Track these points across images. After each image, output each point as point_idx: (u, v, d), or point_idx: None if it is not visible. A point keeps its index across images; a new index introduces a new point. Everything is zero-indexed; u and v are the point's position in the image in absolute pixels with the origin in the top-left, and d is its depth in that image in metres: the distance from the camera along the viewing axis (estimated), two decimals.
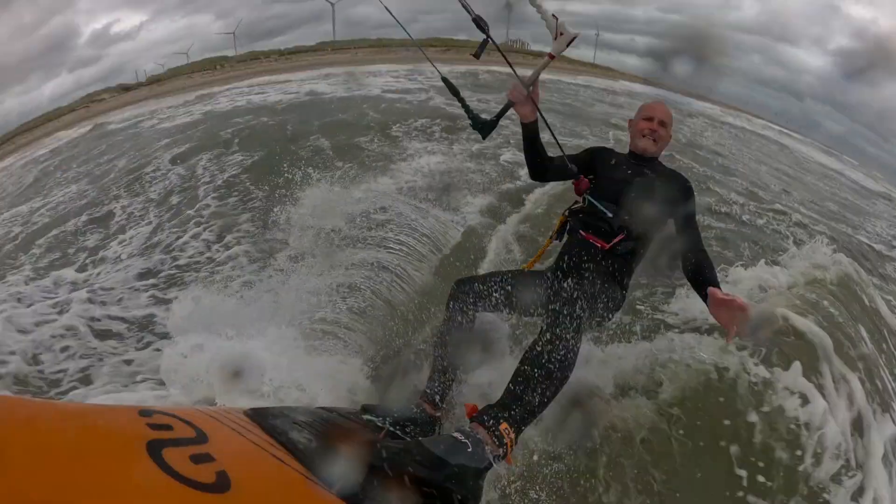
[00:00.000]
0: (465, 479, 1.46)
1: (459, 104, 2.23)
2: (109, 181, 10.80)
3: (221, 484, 0.83)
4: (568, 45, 2.02)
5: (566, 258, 2.34)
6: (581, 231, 2.31)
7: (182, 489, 0.75)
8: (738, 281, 4.49)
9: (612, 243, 2.21)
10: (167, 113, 20.94)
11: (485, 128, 2.26)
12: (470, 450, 1.52)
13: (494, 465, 1.59)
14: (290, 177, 7.99)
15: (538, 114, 2.20)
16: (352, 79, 23.01)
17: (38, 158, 19.81)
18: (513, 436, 1.61)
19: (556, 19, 1.96)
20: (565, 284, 2.03)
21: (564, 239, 2.49)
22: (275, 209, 6.50)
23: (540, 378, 1.67)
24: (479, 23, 2.07)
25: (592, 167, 2.43)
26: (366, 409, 2.14)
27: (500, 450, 1.58)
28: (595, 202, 2.27)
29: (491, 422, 1.62)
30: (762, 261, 5.20)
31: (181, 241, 6.46)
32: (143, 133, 17.17)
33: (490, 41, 2.10)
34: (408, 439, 1.66)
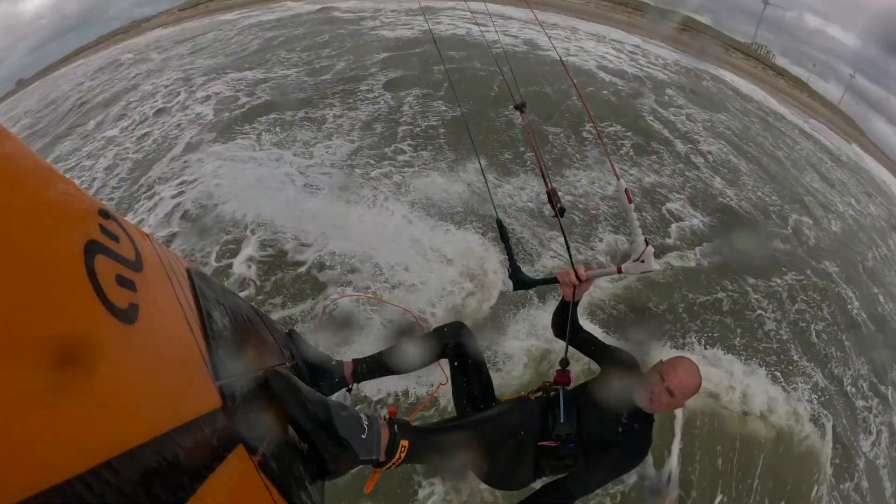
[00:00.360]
0: (339, 454, 1.62)
1: (506, 252, 2.45)
2: (326, 83, 13.44)
3: (129, 315, 0.85)
4: (640, 273, 2.08)
5: (515, 414, 2.22)
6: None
7: (92, 298, 0.77)
8: (713, 360, 5.35)
9: (540, 443, 2.14)
10: (390, 17, 23.30)
11: (520, 284, 2.41)
12: (364, 436, 1.67)
13: (371, 465, 1.76)
14: (479, 146, 9.81)
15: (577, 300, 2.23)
16: (573, 37, 23.58)
17: (263, 24, 23.50)
18: (404, 455, 1.76)
19: (647, 246, 2.00)
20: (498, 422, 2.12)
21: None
22: (453, 180, 8.50)
23: (455, 433, 1.95)
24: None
25: (603, 363, 2.35)
26: (292, 334, 2.36)
27: (386, 458, 1.73)
28: (561, 400, 2.18)
29: (399, 431, 1.77)
30: (762, 369, 6.09)
31: (375, 172, 8.64)
32: (364, 35, 19.89)
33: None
34: (306, 384, 1.71)
